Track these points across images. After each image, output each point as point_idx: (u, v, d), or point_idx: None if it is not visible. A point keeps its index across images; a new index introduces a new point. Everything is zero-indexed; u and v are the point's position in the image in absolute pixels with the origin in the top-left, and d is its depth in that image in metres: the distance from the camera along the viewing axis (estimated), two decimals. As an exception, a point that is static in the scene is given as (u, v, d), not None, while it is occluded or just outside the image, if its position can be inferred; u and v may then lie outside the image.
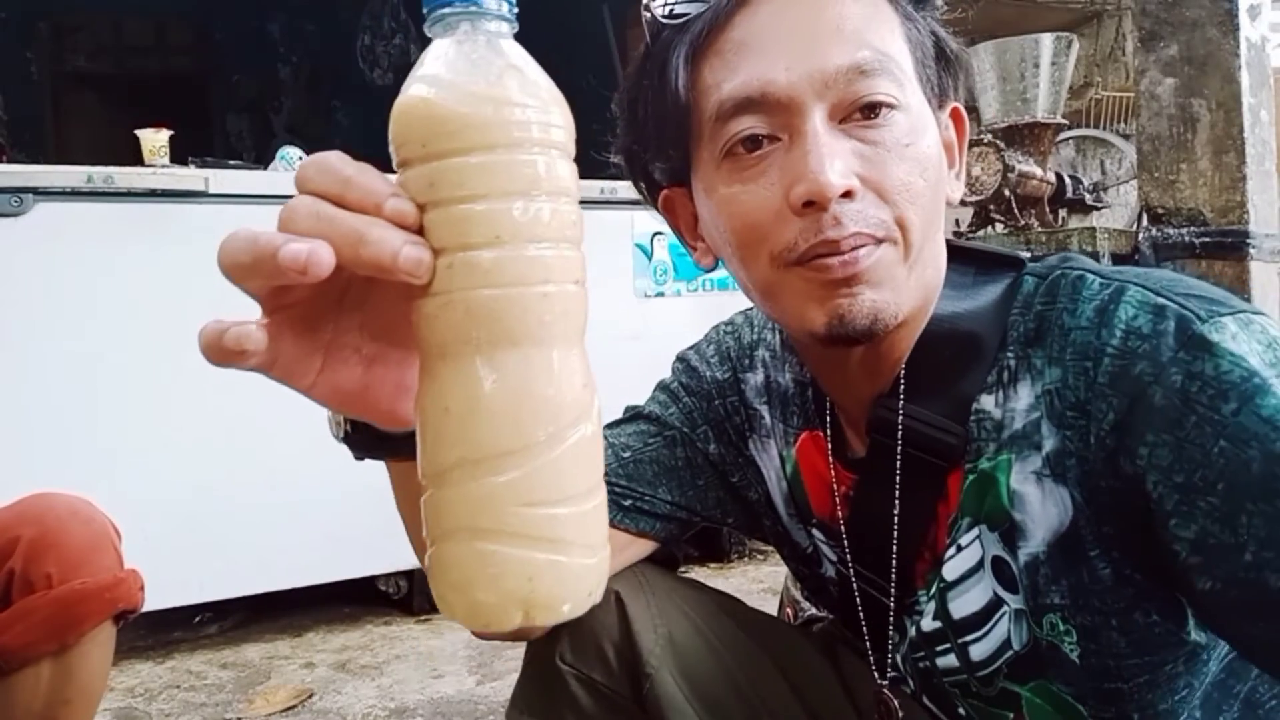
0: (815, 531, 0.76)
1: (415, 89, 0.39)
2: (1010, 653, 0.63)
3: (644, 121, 0.65)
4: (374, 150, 0.45)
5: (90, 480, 2.00)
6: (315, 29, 5.52)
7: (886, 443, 0.66)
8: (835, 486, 0.72)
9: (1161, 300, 0.55)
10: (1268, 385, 0.50)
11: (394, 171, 0.41)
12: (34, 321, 1.93)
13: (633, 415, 0.82)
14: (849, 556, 0.72)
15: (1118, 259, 2.31)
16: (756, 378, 0.79)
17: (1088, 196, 3.19)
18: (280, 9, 5.46)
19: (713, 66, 0.60)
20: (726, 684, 0.75)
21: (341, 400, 0.46)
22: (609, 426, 0.80)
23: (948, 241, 0.69)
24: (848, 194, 0.56)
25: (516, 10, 0.41)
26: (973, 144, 2.77)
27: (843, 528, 0.71)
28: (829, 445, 0.73)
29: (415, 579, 2.30)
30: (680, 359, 0.85)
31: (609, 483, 0.74)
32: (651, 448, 0.78)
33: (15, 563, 0.96)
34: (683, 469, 0.78)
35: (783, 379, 0.78)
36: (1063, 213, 3.20)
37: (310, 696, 1.85)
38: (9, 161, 2.66)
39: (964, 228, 3.07)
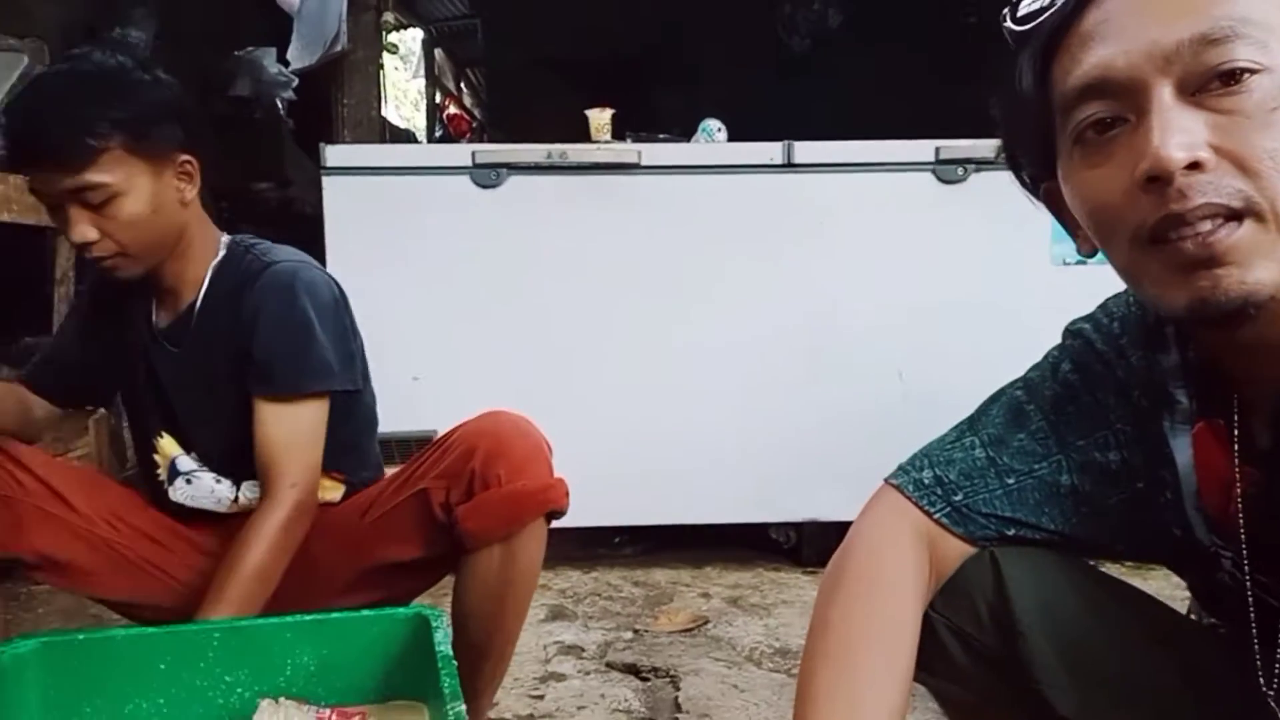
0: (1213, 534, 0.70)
1: None
2: None
3: (1009, 122, 0.70)
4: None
5: (551, 410, 2.37)
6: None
7: None
8: (1235, 483, 0.66)
9: None
10: None
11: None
12: (508, 277, 2.31)
13: (1015, 418, 0.78)
14: (1245, 561, 0.65)
15: None
16: (1171, 358, 0.72)
17: None
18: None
19: (1062, 63, 0.62)
20: (1110, 663, 0.72)
21: None
22: (992, 430, 0.78)
23: None
24: (1196, 165, 0.53)
25: None
26: None
27: (1240, 530, 0.65)
28: (1232, 436, 0.66)
29: (804, 532, 2.40)
30: (1077, 335, 0.79)
31: (996, 514, 0.75)
32: (1037, 474, 0.76)
33: (475, 464, 1.21)
34: (1066, 496, 0.75)
35: (1190, 357, 0.72)
36: None
37: (706, 623, 2.04)
38: (490, 141, 3.15)
39: None
